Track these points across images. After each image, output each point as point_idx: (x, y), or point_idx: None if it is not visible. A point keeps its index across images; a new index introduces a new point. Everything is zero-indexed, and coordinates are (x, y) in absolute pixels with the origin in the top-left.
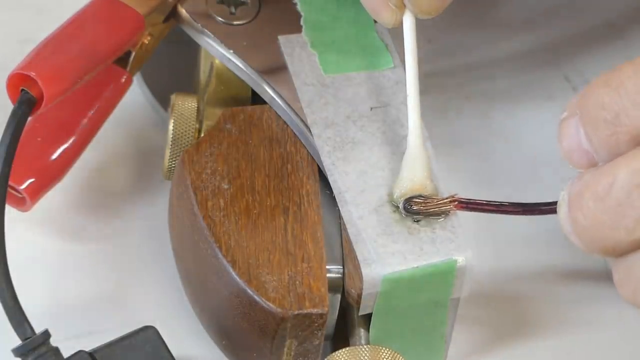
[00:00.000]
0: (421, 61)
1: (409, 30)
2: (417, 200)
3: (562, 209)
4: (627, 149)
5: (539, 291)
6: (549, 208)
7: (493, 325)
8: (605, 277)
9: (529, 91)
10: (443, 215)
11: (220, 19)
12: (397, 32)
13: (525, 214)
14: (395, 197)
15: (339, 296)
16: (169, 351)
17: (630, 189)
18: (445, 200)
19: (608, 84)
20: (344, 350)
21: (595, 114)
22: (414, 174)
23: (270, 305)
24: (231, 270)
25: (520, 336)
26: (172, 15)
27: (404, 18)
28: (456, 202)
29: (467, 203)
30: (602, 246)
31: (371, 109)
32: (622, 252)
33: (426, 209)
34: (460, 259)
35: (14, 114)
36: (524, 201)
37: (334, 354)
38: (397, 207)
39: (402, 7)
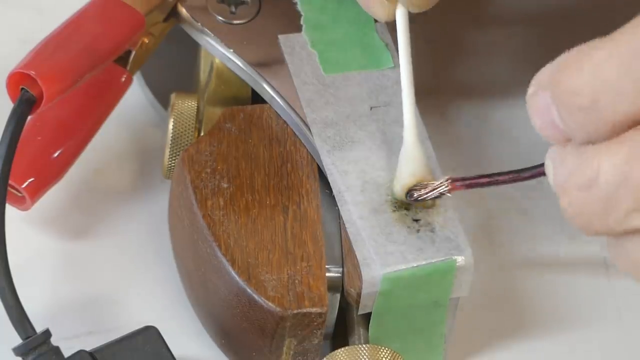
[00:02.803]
0: (421, 61)
1: (402, 24)
2: (416, 187)
3: (549, 170)
4: (608, 136)
5: (539, 291)
6: (537, 171)
7: (493, 325)
8: (605, 277)
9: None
10: (436, 201)
11: (220, 18)
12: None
13: (516, 181)
14: (395, 192)
15: (338, 295)
16: (169, 351)
17: (616, 184)
18: (441, 182)
19: (581, 67)
20: (343, 349)
21: (570, 99)
22: (414, 169)
23: (270, 304)
24: (230, 269)
25: (520, 336)
26: (172, 14)
27: (397, 12)
28: (451, 181)
29: (462, 180)
30: (595, 232)
31: (371, 108)
32: (615, 236)
33: (425, 194)
34: (460, 259)
35: (14, 113)
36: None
37: (333, 353)
38: (397, 206)
39: (394, 0)
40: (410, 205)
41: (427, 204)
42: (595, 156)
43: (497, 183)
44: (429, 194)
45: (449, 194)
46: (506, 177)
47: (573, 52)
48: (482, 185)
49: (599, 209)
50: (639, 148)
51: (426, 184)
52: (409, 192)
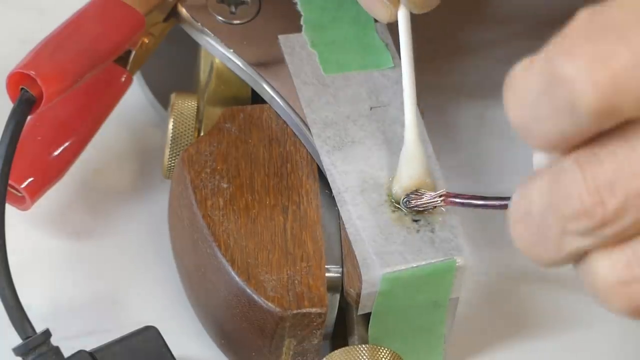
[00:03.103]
0: (421, 61)
1: (404, 26)
2: (414, 195)
3: None
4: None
5: (539, 291)
6: None
7: (493, 325)
8: None
9: None
10: (436, 209)
11: (220, 18)
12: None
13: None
14: (394, 193)
15: (337, 296)
16: (169, 351)
17: (543, 213)
18: (436, 196)
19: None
20: (342, 349)
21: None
22: (413, 171)
23: (269, 304)
24: (230, 269)
25: (520, 336)
26: (172, 14)
27: (399, 13)
28: (445, 197)
29: (455, 197)
30: (545, 264)
31: (371, 108)
32: (562, 265)
33: (421, 204)
34: (460, 259)
35: (13, 112)
36: None
37: (332, 353)
38: (397, 206)
39: (396, 2)
40: None
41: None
42: (529, 187)
43: (489, 207)
44: (423, 205)
45: (442, 209)
46: (497, 203)
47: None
48: (475, 206)
49: (537, 239)
50: (560, 176)
51: (422, 194)
52: (406, 198)
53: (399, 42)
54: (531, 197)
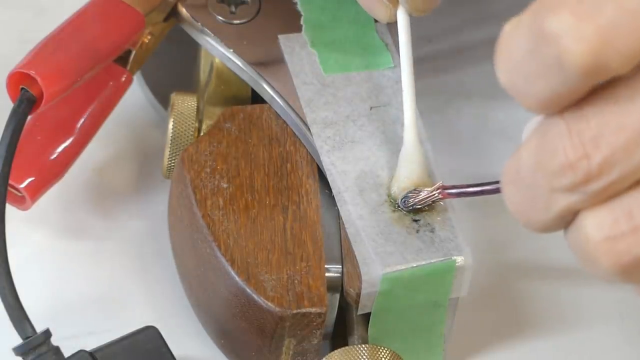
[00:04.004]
0: (421, 61)
1: (404, 25)
2: (411, 194)
3: None
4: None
5: (539, 291)
6: None
7: (492, 325)
8: None
9: None
10: (435, 207)
11: (220, 18)
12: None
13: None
14: (393, 193)
15: (337, 295)
16: (170, 351)
17: (532, 171)
18: (433, 190)
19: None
20: (342, 349)
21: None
22: (412, 171)
23: (269, 304)
24: (230, 269)
25: (520, 336)
26: (173, 14)
27: (398, 13)
28: (442, 190)
29: (452, 188)
30: (535, 227)
31: (371, 108)
32: (555, 229)
33: (418, 201)
34: (459, 259)
35: (14, 112)
36: None
37: (332, 353)
38: (397, 206)
39: (395, 2)
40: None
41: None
42: (519, 148)
43: (485, 193)
44: (421, 202)
45: (441, 202)
46: (492, 187)
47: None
48: (472, 194)
49: (527, 200)
50: (547, 134)
51: (419, 191)
52: (404, 197)
53: (398, 42)
54: (520, 156)
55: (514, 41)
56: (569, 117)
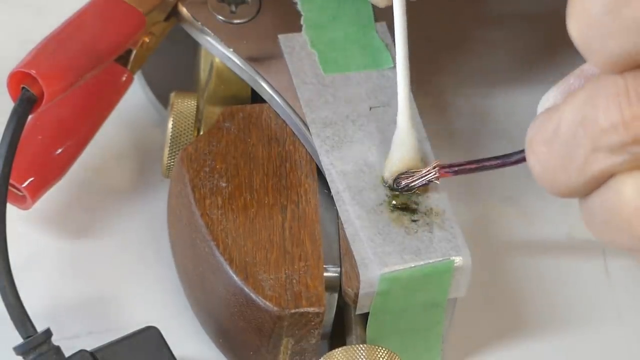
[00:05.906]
0: (421, 60)
1: (399, 7)
2: (403, 175)
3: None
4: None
5: (538, 291)
6: (522, 156)
7: (492, 325)
8: (605, 276)
9: (529, 90)
10: (430, 184)
11: (220, 17)
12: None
13: (504, 166)
14: (385, 178)
15: (336, 295)
16: (170, 351)
17: (575, 127)
18: (429, 169)
19: None
20: (340, 349)
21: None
22: (404, 154)
23: (267, 303)
24: (228, 268)
25: (519, 336)
26: (173, 13)
27: None
28: (439, 168)
29: (449, 167)
30: (560, 190)
31: (370, 108)
32: (580, 193)
33: (413, 181)
34: (458, 259)
35: (14, 112)
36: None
37: (330, 352)
38: (395, 207)
39: None
40: (409, 205)
41: (418, 192)
42: (560, 108)
43: (484, 168)
44: (416, 182)
45: (437, 181)
46: (494, 163)
47: None
48: (470, 171)
49: (560, 160)
50: (598, 89)
51: (414, 172)
52: (397, 179)
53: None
54: (562, 113)
55: None
56: (630, 77)
